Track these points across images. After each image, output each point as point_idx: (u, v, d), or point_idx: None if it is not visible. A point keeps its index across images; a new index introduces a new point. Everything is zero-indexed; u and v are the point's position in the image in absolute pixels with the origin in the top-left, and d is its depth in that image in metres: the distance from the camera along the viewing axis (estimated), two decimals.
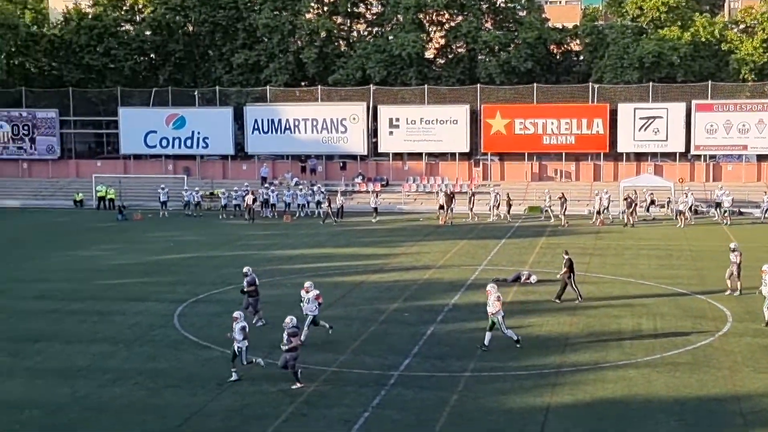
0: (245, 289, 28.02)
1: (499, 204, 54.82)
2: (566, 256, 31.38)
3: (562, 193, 54.09)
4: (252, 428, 19.33)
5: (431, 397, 21.23)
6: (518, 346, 24.99)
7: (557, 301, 30.83)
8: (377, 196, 56.70)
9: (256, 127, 66.02)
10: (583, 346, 25.61)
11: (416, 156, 65.68)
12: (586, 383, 22.08)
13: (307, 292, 25.87)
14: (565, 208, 52.36)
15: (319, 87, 67.27)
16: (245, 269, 28.52)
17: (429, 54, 71.93)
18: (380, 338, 26.54)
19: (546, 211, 54.75)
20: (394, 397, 21.26)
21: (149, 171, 67.07)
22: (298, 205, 56.78)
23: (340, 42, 72.96)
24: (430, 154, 65.56)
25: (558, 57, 71.87)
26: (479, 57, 69.73)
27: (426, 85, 65.82)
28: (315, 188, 58.46)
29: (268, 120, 65.89)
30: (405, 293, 32.96)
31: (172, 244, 45.29)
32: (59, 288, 34.05)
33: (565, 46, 71.78)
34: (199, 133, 66.68)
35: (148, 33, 73.91)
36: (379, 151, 66.03)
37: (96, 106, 71.26)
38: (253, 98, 68.06)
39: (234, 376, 22.29)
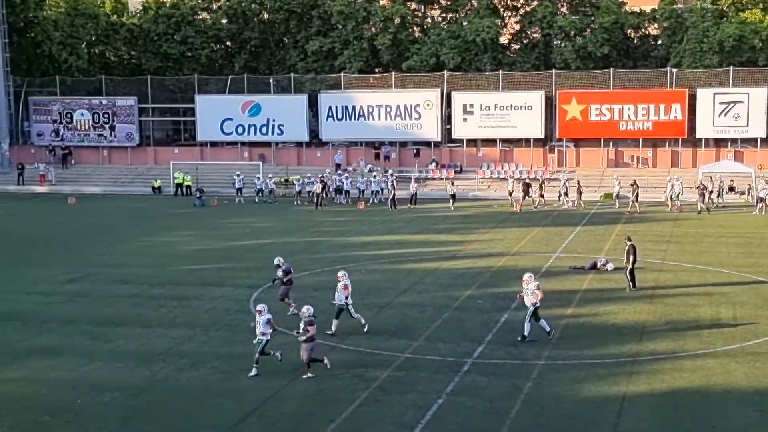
0: (284, 279, 27.76)
1: (567, 191, 54.31)
2: (628, 243, 30.98)
3: (634, 180, 53.35)
4: (327, 413, 19.49)
5: (505, 384, 21.17)
6: (549, 338, 24.69)
7: (633, 289, 30.46)
8: (453, 183, 56.40)
9: (330, 114, 66.33)
10: (661, 334, 25.28)
11: (490, 142, 65.36)
12: (664, 372, 21.80)
13: (338, 281, 25.66)
14: (637, 195, 51.67)
15: (393, 73, 67.30)
16: (277, 260, 28.31)
17: (503, 39, 71.44)
18: (454, 325, 26.53)
19: (615, 198, 54.11)
20: (468, 384, 21.25)
21: (225, 158, 67.87)
22: (372, 191, 56.92)
23: (414, 28, 72.85)
24: (504, 141, 65.18)
25: (635, 41, 70.80)
26: (555, 42, 69.04)
27: (500, 71, 65.42)
28: (389, 175, 58.55)
29: (342, 107, 66.12)
30: (479, 280, 32.87)
31: (248, 230, 45.81)
32: (139, 273, 34.69)
33: (643, 30, 70.63)
34: (274, 120, 67.22)
35: (224, 21, 74.77)
36: (453, 137, 65.85)
37: (173, 93, 72.32)
38: (327, 85, 68.36)
39: (254, 371, 21.79)
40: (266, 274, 34.02)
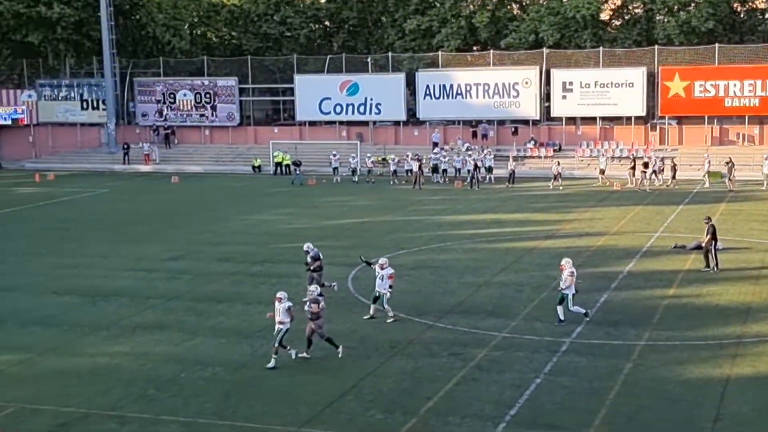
0: (311, 266, 27.26)
1: (662, 169, 53.18)
2: (709, 223, 30.23)
3: (729, 158, 51.96)
4: (424, 391, 19.58)
5: (604, 365, 20.94)
6: (587, 319, 24.33)
7: (712, 270, 29.67)
8: (558, 163, 55.28)
9: (427, 92, 66.20)
10: (767, 316, 24.64)
11: (590, 120, 64.36)
12: None
13: (383, 268, 25.21)
14: (733, 173, 50.37)
15: (491, 51, 66.78)
16: (306, 246, 27.85)
17: (604, 15, 70.08)
18: (552, 305, 26.25)
19: (704, 176, 52.88)
20: (566, 364, 21.09)
21: (323, 137, 68.37)
22: (469, 170, 56.67)
23: (513, 5, 72.08)
24: (604, 118, 64.13)
25: (742, 15, 68.71)
26: (657, 17, 67.50)
27: (601, 48, 64.30)
28: (486, 153, 58.23)
29: (439, 85, 65.93)
30: (578, 260, 32.42)
31: (346, 209, 46.14)
32: (240, 251, 35.30)
33: (750, 3, 68.50)
34: (371, 99, 67.40)
35: (322, 1, 75.19)
36: (552, 115, 65.07)
37: (273, 73, 73.12)
38: (425, 64, 68.21)
39: (272, 362, 21.22)
40: (363, 252, 34.23)
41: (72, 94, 72.44)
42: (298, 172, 58.16)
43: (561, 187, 52.18)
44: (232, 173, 64.46)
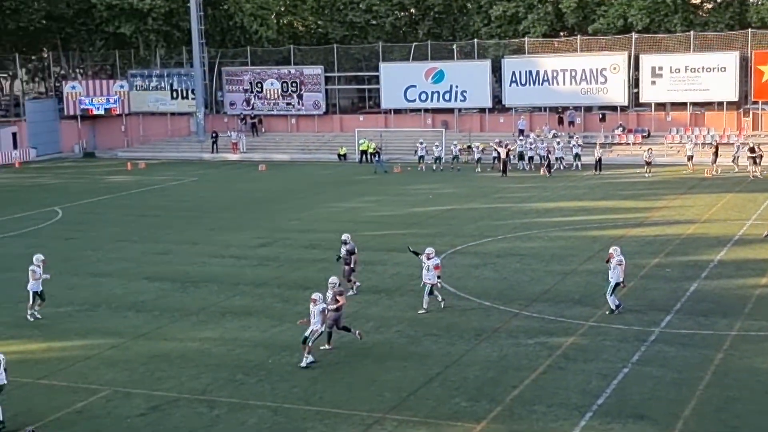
0: (347, 260, 26.76)
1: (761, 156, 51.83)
2: None
3: None
4: (509, 379, 19.52)
5: (694, 355, 20.60)
6: (616, 312, 23.90)
7: None
8: (650, 150, 54.24)
9: (513, 79, 65.71)
10: None
11: (680, 106, 63.11)
12: None
13: (429, 258, 24.91)
14: None
15: (579, 37, 65.91)
16: (344, 236, 27.39)
17: None
18: (640, 293, 25.97)
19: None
20: (655, 354, 20.80)
21: (409, 125, 68.40)
22: (555, 158, 56.11)
23: None
24: (695, 104, 62.83)
25: None
26: (751, 0, 65.77)
27: (692, 32, 62.96)
28: (573, 140, 57.60)
29: (525, 72, 65.38)
30: (667, 248, 32.00)
31: (431, 197, 46.13)
32: (326, 238, 35.54)
33: None
34: (457, 86, 67.15)
35: None
36: (641, 101, 63.99)
37: (359, 62, 73.37)
38: (510, 50, 67.68)
39: (305, 361, 20.71)
40: (449, 240, 34.28)
41: (162, 84, 73.79)
42: (378, 159, 58.36)
43: (650, 175, 51.28)
44: (317, 161, 64.94)
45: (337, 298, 21.91)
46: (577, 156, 55.61)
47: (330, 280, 22.42)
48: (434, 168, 56.81)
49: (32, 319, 24.81)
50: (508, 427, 17.17)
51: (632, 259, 30.29)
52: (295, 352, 21.54)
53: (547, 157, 54.17)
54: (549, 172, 53.19)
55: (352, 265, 26.88)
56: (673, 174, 52.42)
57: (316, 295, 21.20)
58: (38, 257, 25.41)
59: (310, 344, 20.73)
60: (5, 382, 17.83)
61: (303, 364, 20.65)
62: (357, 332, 22.04)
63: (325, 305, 21.27)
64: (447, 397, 18.71)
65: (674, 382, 19.00)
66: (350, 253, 26.87)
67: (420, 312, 24.71)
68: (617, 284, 24.10)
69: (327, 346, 21.75)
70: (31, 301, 25.02)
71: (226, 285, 28.16)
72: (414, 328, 23.43)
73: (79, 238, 37.37)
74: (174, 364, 21.20)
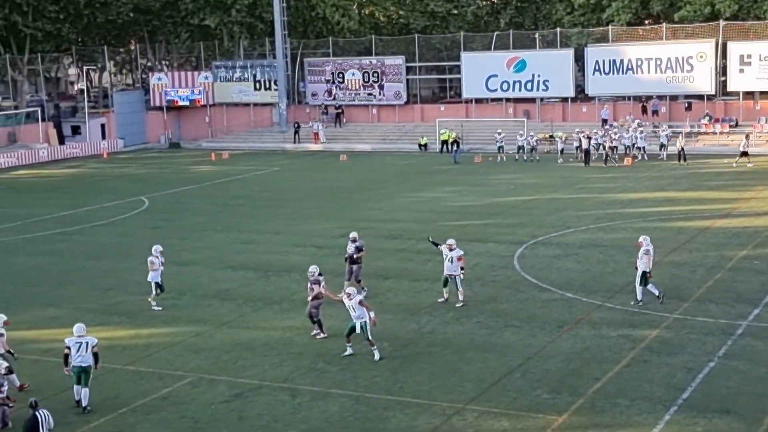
0: (354, 256, 26.05)
1: None
2: None
3: None
4: (592, 371, 19.34)
5: None
6: (660, 301, 23.72)
7: None
8: (747, 137, 52.79)
9: (597, 68, 64.84)
10: None
11: None
12: None
13: (451, 249, 24.45)
14: None
15: (664, 25, 64.73)
16: (352, 234, 26.86)
17: None
18: (727, 286, 25.48)
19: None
20: (742, 348, 20.40)
21: (490, 114, 68.01)
22: (639, 147, 55.21)
23: None
24: None
25: None
26: None
27: None
28: (659, 130, 56.60)
29: (609, 60, 64.46)
30: (755, 240, 31.30)
31: (512, 187, 45.86)
32: (407, 228, 35.66)
33: None
34: (539, 75, 66.54)
35: None
36: (728, 90, 62.61)
37: (439, 51, 73.19)
38: (594, 39, 66.81)
39: (376, 355, 20.63)
40: (530, 230, 34.09)
41: (245, 75, 74.60)
42: (457, 150, 58.19)
43: (751, 165, 49.92)
44: (398, 151, 65.00)
45: (312, 287, 22.24)
46: (662, 146, 54.68)
47: (309, 270, 22.70)
48: (516, 158, 56.39)
49: (157, 309, 25.26)
50: (590, 420, 17.03)
51: (719, 250, 29.79)
52: (375, 342, 21.64)
53: (605, 146, 53.26)
54: (606, 162, 52.31)
55: (361, 264, 26.28)
56: (762, 164, 51.17)
57: (349, 289, 21.27)
58: (157, 248, 25.80)
59: (370, 338, 20.66)
60: (89, 363, 18.28)
61: (347, 352, 20.94)
62: (319, 334, 22.22)
63: (361, 296, 21.35)
64: (528, 388, 18.62)
65: (762, 377, 18.62)
66: (359, 250, 26.33)
67: (440, 300, 24.84)
68: (644, 273, 23.96)
69: (322, 335, 22.22)
70: (153, 293, 25.51)
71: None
72: (494, 319, 23.37)
73: (164, 227, 38.10)
74: (257, 352, 21.50)
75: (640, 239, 24.45)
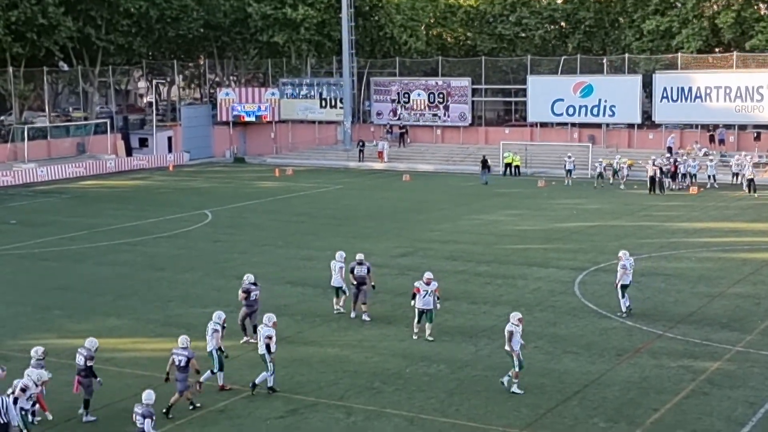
0: (360, 279, 25.64)
1: None
2: None
3: None
4: (650, 401, 19.09)
5: None
6: (623, 315, 24.88)
7: None
8: None
9: (664, 95, 64.17)
10: None
11: None
12: None
13: (428, 284, 23.52)
14: None
15: (735, 53, 63.92)
16: (359, 256, 26.05)
17: None
18: None
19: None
20: None
21: (554, 139, 67.65)
22: (708, 176, 54.42)
23: (760, 5, 68.57)
24: None
25: None
26: None
27: None
28: (732, 159, 55.72)
29: (677, 88, 63.74)
30: None
31: (575, 212, 45.51)
32: (467, 250, 35.56)
33: None
34: (606, 101, 66.05)
35: (559, 1, 74.41)
36: None
37: (506, 74, 73.09)
38: (662, 65, 66.20)
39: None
40: (591, 257, 33.78)
41: (312, 93, 75.19)
42: (486, 170, 58.17)
43: None
44: (461, 173, 64.92)
45: (241, 293, 23.56)
46: (734, 175, 54.00)
47: (244, 278, 23.94)
48: (565, 182, 56.08)
49: (338, 313, 26.27)
50: None
51: None
52: (432, 363, 21.63)
53: (661, 174, 52.65)
54: (662, 190, 51.67)
55: (372, 283, 26.03)
56: None
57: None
58: (341, 254, 26.56)
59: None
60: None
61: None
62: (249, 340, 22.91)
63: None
64: (585, 416, 18.43)
65: None
66: (368, 270, 25.91)
67: (414, 337, 23.76)
68: (623, 286, 25.28)
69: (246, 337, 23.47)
70: (335, 297, 26.45)
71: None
72: (553, 344, 23.18)
73: (226, 241, 38.48)
74: (313, 368, 21.58)
75: (620, 253, 25.79)
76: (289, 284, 30.18)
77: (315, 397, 19.68)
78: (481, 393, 19.86)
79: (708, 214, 44.66)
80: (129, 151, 71.95)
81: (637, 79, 65.44)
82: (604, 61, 68.35)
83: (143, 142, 73.73)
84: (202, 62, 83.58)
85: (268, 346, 20.01)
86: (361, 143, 70.32)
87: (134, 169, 67.72)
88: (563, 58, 69.77)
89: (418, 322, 23.87)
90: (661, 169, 53.40)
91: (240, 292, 23.84)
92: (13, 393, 16.63)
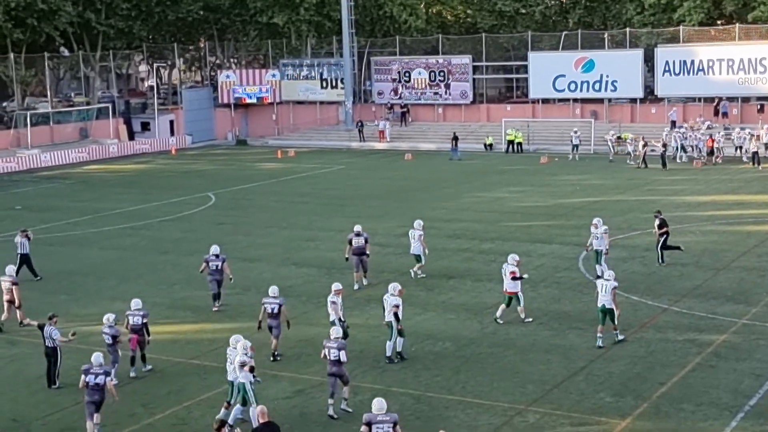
0: (366, 251, 27.06)
1: None
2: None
3: None
4: (657, 376, 19.10)
5: None
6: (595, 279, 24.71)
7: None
8: None
9: (666, 68, 63.93)
10: None
11: None
12: None
13: (394, 294, 20.86)
14: None
15: (737, 25, 63.60)
16: (357, 228, 27.26)
17: None
18: None
19: None
20: None
21: (556, 115, 67.49)
22: (715, 148, 54.17)
23: None
24: None
25: None
26: None
27: None
28: (732, 132, 55.54)
29: (680, 61, 63.50)
30: None
31: (578, 188, 45.43)
32: (470, 228, 35.55)
33: None
34: (607, 76, 65.80)
35: None
36: None
37: (507, 51, 72.82)
38: (664, 39, 65.90)
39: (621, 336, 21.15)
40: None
41: (312, 74, 75.01)
42: (454, 148, 58.28)
43: None
44: (464, 151, 64.74)
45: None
46: (739, 148, 53.83)
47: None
48: (569, 157, 55.99)
49: (417, 277, 27.48)
50: (654, 425, 16.82)
51: None
52: (438, 341, 21.67)
53: (644, 145, 52.50)
54: (664, 166, 51.46)
55: (368, 252, 27.25)
56: None
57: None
58: (419, 222, 28.25)
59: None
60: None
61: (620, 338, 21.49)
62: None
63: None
64: (591, 391, 18.46)
65: None
66: (366, 242, 27.15)
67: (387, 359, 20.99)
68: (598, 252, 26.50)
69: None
70: (417, 263, 27.80)
71: (371, 272, 28.35)
72: (558, 320, 23.20)
73: (230, 223, 38.50)
74: (318, 348, 21.52)
75: (595, 220, 27.02)
76: (294, 265, 30.21)
77: (321, 376, 19.66)
78: (487, 370, 19.88)
79: (712, 187, 44.59)
80: (131, 135, 71.90)
81: (639, 54, 65.18)
82: (606, 35, 68.06)
83: (145, 126, 73.65)
84: (202, 45, 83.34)
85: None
86: (359, 123, 70.17)
87: (137, 153, 67.68)
88: (564, 33, 69.49)
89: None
90: (666, 144, 53.17)
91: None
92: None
